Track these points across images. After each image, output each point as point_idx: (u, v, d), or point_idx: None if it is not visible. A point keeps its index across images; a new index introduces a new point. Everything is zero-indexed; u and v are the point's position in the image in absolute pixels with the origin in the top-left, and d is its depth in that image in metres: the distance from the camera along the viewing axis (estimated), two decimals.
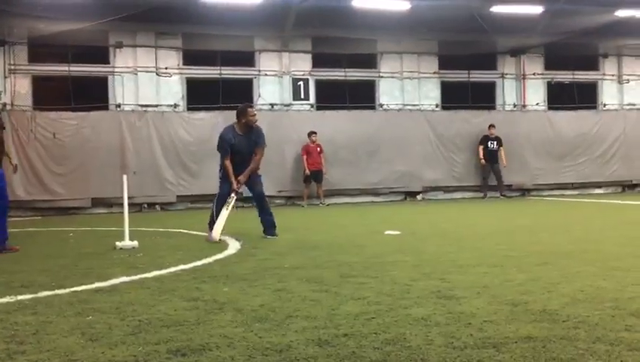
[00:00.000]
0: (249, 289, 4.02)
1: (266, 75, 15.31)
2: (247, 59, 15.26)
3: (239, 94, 13.83)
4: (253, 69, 15.31)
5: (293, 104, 15.36)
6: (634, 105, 17.85)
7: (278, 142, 14.04)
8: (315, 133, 14.15)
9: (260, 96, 15.16)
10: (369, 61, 16.17)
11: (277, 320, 3.14)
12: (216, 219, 7.05)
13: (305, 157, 14.10)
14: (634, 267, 4.54)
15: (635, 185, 17.21)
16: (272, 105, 15.16)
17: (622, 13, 14.22)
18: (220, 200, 7.19)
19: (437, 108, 16.43)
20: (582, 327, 2.83)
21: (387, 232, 7.41)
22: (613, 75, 17.92)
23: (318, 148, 14.18)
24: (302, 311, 3.34)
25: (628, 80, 17.91)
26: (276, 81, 15.37)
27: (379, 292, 3.79)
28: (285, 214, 11.32)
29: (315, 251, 5.98)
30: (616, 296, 3.52)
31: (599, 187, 17.04)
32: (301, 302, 3.59)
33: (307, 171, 14.04)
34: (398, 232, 7.37)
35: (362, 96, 16.05)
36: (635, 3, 13.95)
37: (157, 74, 14.48)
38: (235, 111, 7.52)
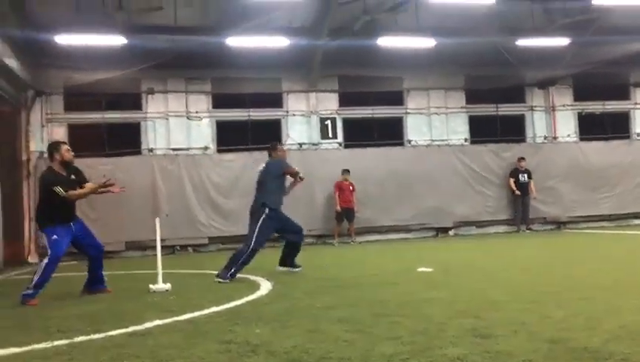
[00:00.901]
0: (281, 331, 3.99)
1: (294, 115, 15.53)
2: (275, 100, 15.51)
3: (268, 135, 14.01)
4: (281, 109, 15.54)
5: (321, 143, 15.48)
6: None
7: (307, 180, 14.07)
8: (349, 171, 14.19)
9: (288, 136, 15.34)
10: (396, 98, 16.27)
11: None
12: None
13: (337, 193, 14.11)
14: None
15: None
16: (300, 144, 15.30)
17: None
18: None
19: (466, 143, 16.37)
20: None
21: (420, 269, 7.32)
22: None
23: (351, 187, 14.19)
24: (335, 352, 3.30)
25: None
26: (304, 120, 15.56)
27: (413, 331, 3.73)
28: (316, 253, 11.29)
29: (348, 290, 5.93)
30: None
31: (638, 218, 16.60)
32: (334, 342, 3.55)
33: (339, 208, 14.02)
34: (430, 269, 7.27)
35: (390, 133, 16.10)
36: None
37: (187, 118, 14.81)
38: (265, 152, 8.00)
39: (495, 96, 16.55)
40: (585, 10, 13.01)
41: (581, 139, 17.08)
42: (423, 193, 15.12)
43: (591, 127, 17.31)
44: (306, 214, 14.08)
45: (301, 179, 7.60)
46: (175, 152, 14.43)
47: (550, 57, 14.91)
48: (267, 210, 7.29)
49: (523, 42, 13.93)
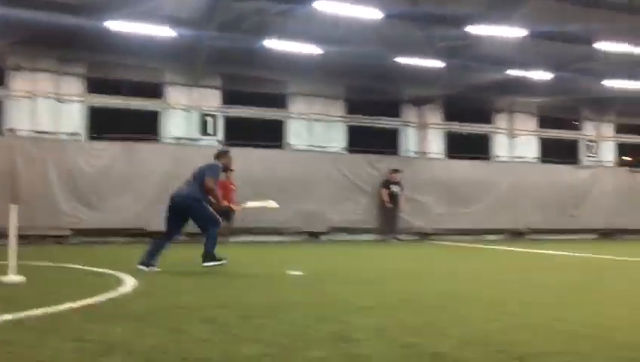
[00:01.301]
0: (142, 330, 3.86)
1: (173, 108, 15.12)
2: (154, 90, 15.01)
3: (144, 126, 13.54)
4: (160, 101, 15.07)
5: (201, 139, 15.21)
6: (522, 158, 19.21)
7: (183, 177, 13.79)
8: (233, 170, 13.96)
9: (166, 129, 14.92)
10: (279, 101, 16.41)
11: None
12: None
13: (220, 192, 13.82)
14: (519, 312, 4.80)
15: (522, 233, 18.33)
16: (178, 139, 14.93)
17: (513, 72, 15.38)
18: None
19: (343, 151, 16.88)
20: None
21: (290, 272, 7.41)
22: (504, 129, 19.23)
23: (232, 186, 14.01)
24: (196, 352, 3.25)
25: (518, 135, 19.29)
26: (184, 115, 15.22)
27: (277, 334, 3.77)
28: (188, 252, 11.05)
29: (215, 291, 5.87)
30: (501, 339, 3.70)
31: (491, 233, 18.00)
32: (196, 343, 3.50)
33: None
34: (300, 273, 7.38)
35: (271, 135, 16.20)
36: (524, 64, 15.14)
37: (57, 100, 13.90)
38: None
39: (373, 108, 17.24)
40: (460, 36, 13.92)
41: (448, 157, 18.25)
42: (299, 197, 15.34)
43: (457, 146, 18.55)
44: None
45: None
46: (40, 135, 13.48)
47: (426, 77, 15.78)
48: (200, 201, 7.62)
49: (402, 60, 14.61)
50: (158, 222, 13.58)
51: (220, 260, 7.39)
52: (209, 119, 15.38)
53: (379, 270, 8.49)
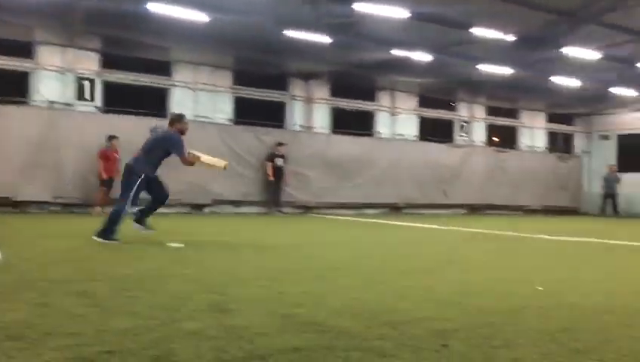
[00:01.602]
0: (4, 305, 3.60)
1: (45, 69, 14.06)
2: (24, 49, 13.86)
3: (12, 88, 12.49)
4: (30, 61, 13.95)
5: (76, 104, 14.31)
6: (403, 135, 20.01)
7: (56, 144, 12.96)
8: (117, 137, 13.23)
9: (38, 92, 13.86)
10: (163, 68, 15.79)
11: (33, 338, 2.86)
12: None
13: (102, 162, 13.12)
14: (393, 281, 5.04)
15: (400, 208, 19.18)
16: (51, 102, 13.94)
17: (396, 52, 15.86)
18: None
19: (229, 123, 16.64)
20: (342, 337, 3.05)
21: (170, 244, 7.24)
22: (387, 107, 19.89)
23: (116, 155, 13.28)
24: (65, 327, 3.09)
25: (399, 112, 20.03)
26: (58, 77, 14.20)
27: (152, 306, 3.67)
28: (62, 222, 10.45)
29: (87, 263, 5.60)
30: (376, 307, 3.87)
31: (372, 208, 18.67)
32: (65, 317, 3.32)
33: (105, 176, 13.08)
34: (181, 245, 7.23)
35: (154, 103, 15.58)
36: (406, 45, 15.66)
37: None
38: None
39: (261, 81, 17.11)
40: (347, 14, 14.09)
41: (333, 132, 18.60)
42: (182, 168, 14.89)
43: (342, 122, 18.94)
44: (51, 180, 12.96)
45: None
46: None
47: (313, 52, 15.85)
48: (143, 176, 7.50)
49: (291, 34, 14.57)
50: (28, 192, 12.81)
51: (114, 240, 7.14)
52: (86, 83, 14.48)
53: (260, 242, 8.52)
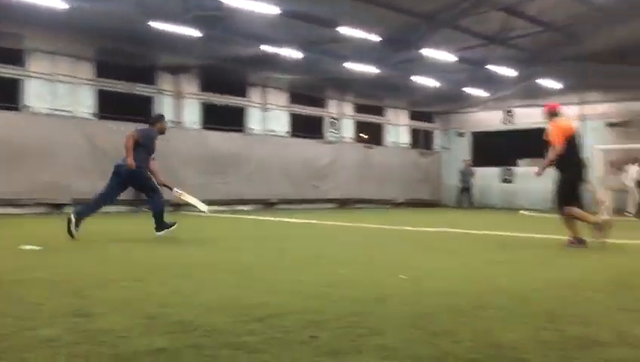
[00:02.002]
0: None
1: None
2: None
3: None
4: None
5: None
6: (274, 131, 20.13)
7: None
8: None
9: None
10: (15, 57, 14.57)
11: None
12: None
13: None
14: (264, 276, 5.04)
15: (273, 203, 19.30)
16: None
17: (266, 48, 15.90)
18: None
19: (92, 118, 15.73)
20: (211, 335, 3.00)
21: (24, 247, 6.70)
22: (258, 103, 19.90)
23: None
24: None
25: (270, 108, 20.12)
26: None
27: (2, 314, 3.37)
28: None
29: None
30: (246, 303, 3.85)
31: (245, 204, 18.60)
32: None
33: None
34: (38, 247, 6.72)
35: (6, 95, 14.35)
36: (277, 41, 15.76)
37: None
38: None
39: (126, 73, 16.36)
40: (216, 7, 13.87)
41: (204, 128, 18.26)
42: (38, 166, 13.92)
43: (213, 117, 18.66)
44: None
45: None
46: None
47: (182, 45, 15.44)
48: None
49: (157, 25, 14.07)
50: None
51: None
52: None
53: (125, 241, 8.16)
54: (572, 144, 7.59)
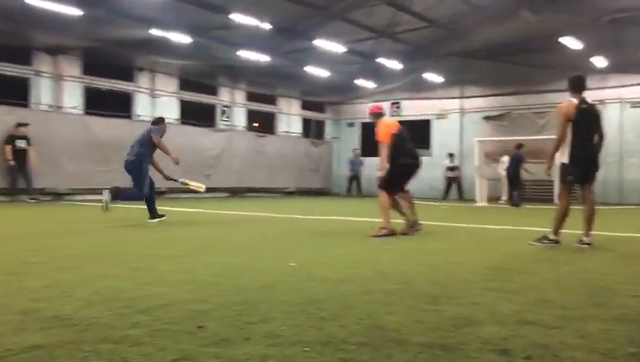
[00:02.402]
0: None
1: None
2: None
3: None
4: None
5: None
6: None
7: None
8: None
9: None
10: None
11: None
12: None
13: None
14: (152, 267, 4.89)
15: (162, 192, 18.72)
16: None
17: (155, 32, 15.35)
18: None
19: None
20: (91, 329, 2.86)
21: None
22: (147, 88, 19.18)
23: None
24: None
25: (159, 95, 19.47)
26: None
27: None
28: None
29: None
30: (131, 295, 3.71)
31: None
32: None
33: None
34: None
35: None
36: (166, 24, 15.26)
37: None
38: None
39: None
40: None
41: (87, 113, 17.32)
42: None
43: (97, 102, 17.75)
44: None
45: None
46: None
47: (61, 25, 14.53)
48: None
49: (33, 2, 13.12)
50: None
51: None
52: None
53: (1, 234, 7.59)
54: (401, 138, 7.97)
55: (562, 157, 6.73)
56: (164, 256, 5.54)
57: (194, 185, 10.76)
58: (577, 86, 6.84)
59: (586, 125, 6.70)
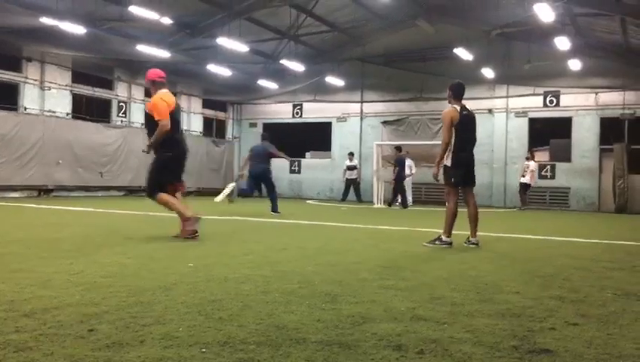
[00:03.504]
0: None
1: None
2: None
3: None
4: None
5: None
6: (54, 112, 18.45)
7: None
8: None
9: None
10: None
11: None
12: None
13: None
14: (35, 268, 4.60)
15: (50, 190, 17.72)
16: None
17: (46, 20, 14.48)
18: None
19: None
20: None
21: None
22: (36, 80, 18.06)
23: None
24: None
25: (50, 87, 18.38)
26: None
27: None
28: None
29: None
30: (13, 298, 3.47)
31: (15, 190, 16.79)
32: None
33: None
34: None
35: None
36: (58, 13, 14.45)
37: None
38: None
39: None
40: None
41: None
42: None
43: None
44: None
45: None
46: None
47: None
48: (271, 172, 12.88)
49: None
50: None
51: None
52: None
53: None
54: (176, 121, 6.96)
55: (447, 160, 7.07)
56: (48, 257, 5.22)
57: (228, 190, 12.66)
58: (458, 93, 7.20)
59: (467, 130, 7.10)
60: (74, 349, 2.51)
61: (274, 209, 12.52)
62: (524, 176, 19.25)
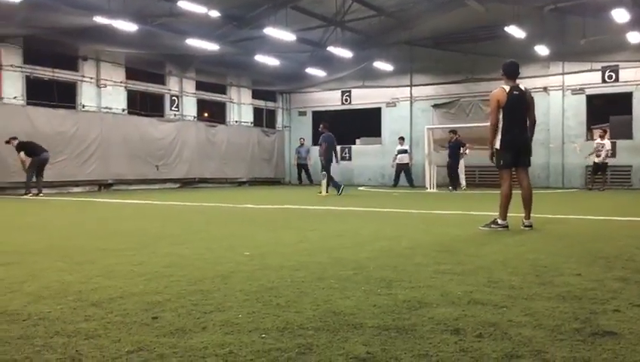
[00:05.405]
0: None
1: None
2: None
3: None
4: None
5: None
6: (110, 108, 19.04)
7: None
8: None
9: None
10: None
11: None
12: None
13: None
14: (99, 259, 4.79)
15: (110, 185, 18.33)
16: None
17: (99, 19, 14.91)
18: None
19: None
20: (41, 324, 2.79)
21: None
22: (92, 78, 18.65)
23: None
24: None
25: (105, 84, 18.96)
26: None
27: None
28: None
29: None
30: (81, 288, 3.63)
31: (77, 185, 17.44)
32: None
33: None
34: None
35: None
36: (111, 12, 14.84)
37: None
38: None
39: None
40: None
41: (28, 103, 16.73)
42: None
43: (40, 92, 17.16)
44: None
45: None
46: None
47: (1, 12, 13.96)
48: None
49: None
50: None
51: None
52: None
53: None
54: None
55: (496, 142, 6.93)
56: (112, 249, 5.42)
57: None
58: (510, 72, 7.01)
59: (515, 111, 6.89)
60: (140, 336, 2.61)
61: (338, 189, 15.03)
62: (598, 156, 18.32)
